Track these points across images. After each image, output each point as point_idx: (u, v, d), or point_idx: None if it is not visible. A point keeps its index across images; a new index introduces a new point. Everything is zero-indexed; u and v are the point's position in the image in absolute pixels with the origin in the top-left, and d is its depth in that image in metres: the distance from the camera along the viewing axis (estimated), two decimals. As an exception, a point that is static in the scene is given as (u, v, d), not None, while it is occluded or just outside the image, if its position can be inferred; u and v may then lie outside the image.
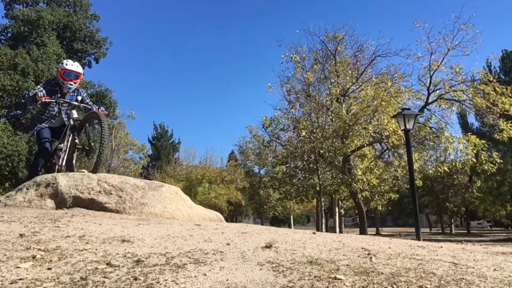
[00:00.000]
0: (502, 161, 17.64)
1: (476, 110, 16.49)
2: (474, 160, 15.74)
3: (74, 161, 5.26)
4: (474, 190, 32.41)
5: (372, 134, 15.41)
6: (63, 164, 5.00)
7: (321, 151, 16.28)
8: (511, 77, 28.29)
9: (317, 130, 16.18)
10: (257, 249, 2.57)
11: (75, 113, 5.19)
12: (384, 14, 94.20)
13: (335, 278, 1.92)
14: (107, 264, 2.04)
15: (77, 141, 5.11)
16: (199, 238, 2.91)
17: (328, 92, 17.47)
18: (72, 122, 5.11)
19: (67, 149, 5.04)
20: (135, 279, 1.83)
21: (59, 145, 5.11)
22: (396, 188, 18.12)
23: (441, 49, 15.87)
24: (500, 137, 15.12)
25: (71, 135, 5.10)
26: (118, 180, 4.52)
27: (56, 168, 5.06)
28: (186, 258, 2.24)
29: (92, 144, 5.08)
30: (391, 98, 15.45)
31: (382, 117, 15.01)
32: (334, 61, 17.86)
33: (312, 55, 18.07)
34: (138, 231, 3.03)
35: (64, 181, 4.35)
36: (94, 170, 4.82)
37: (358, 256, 2.53)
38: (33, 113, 5.50)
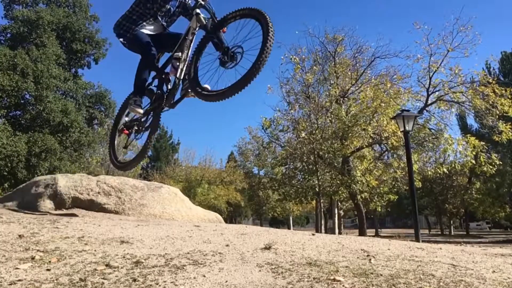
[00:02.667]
0: (501, 162, 17.68)
1: (476, 112, 16.55)
2: (473, 161, 15.76)
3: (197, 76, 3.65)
4: (473, 192, 32.40)
5: (371, 135, 15.42)
6: (181, 76, 3.76)
7: (321, 152, 16.29)
8: (510, 78, 28.33)
9: (317, 131, 16.18)
10: (256, 251, 2.57)
11: (202, 13, 3.67)
12: (384, 16, 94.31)
13: (334, 279, 1.92)
14: (106, 265, 2.04)
15: (217, 39, 3.49)
16: (198, 239, 2.91)
17: (327, 93, 17.49)
18: (203, 20, 3.61)
19: (188, 58, 3.73)
20: (134, 280, 1.83)
21: (175, 54, 3.80)
22: (395, 189, 18.12)
23: (441, 51, 15.97)
24: (499, 138, 15.14)
25: (193, 40, 3.74)
26: (117, 181, 4.53)
27: (174, 81, 3.86)
28: (185, 259, 2.24)
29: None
30: (391, 99, 15.48)
31: (382, 119, 15.03)
32: (333, 63, 17.86)
33: (311, 56, 18.11)
34: (137, 232, 3.02)
35: (63, 182, 4.35)
36: (243, 84, 3.29)
37: (357, 257, 2.53)
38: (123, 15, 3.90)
